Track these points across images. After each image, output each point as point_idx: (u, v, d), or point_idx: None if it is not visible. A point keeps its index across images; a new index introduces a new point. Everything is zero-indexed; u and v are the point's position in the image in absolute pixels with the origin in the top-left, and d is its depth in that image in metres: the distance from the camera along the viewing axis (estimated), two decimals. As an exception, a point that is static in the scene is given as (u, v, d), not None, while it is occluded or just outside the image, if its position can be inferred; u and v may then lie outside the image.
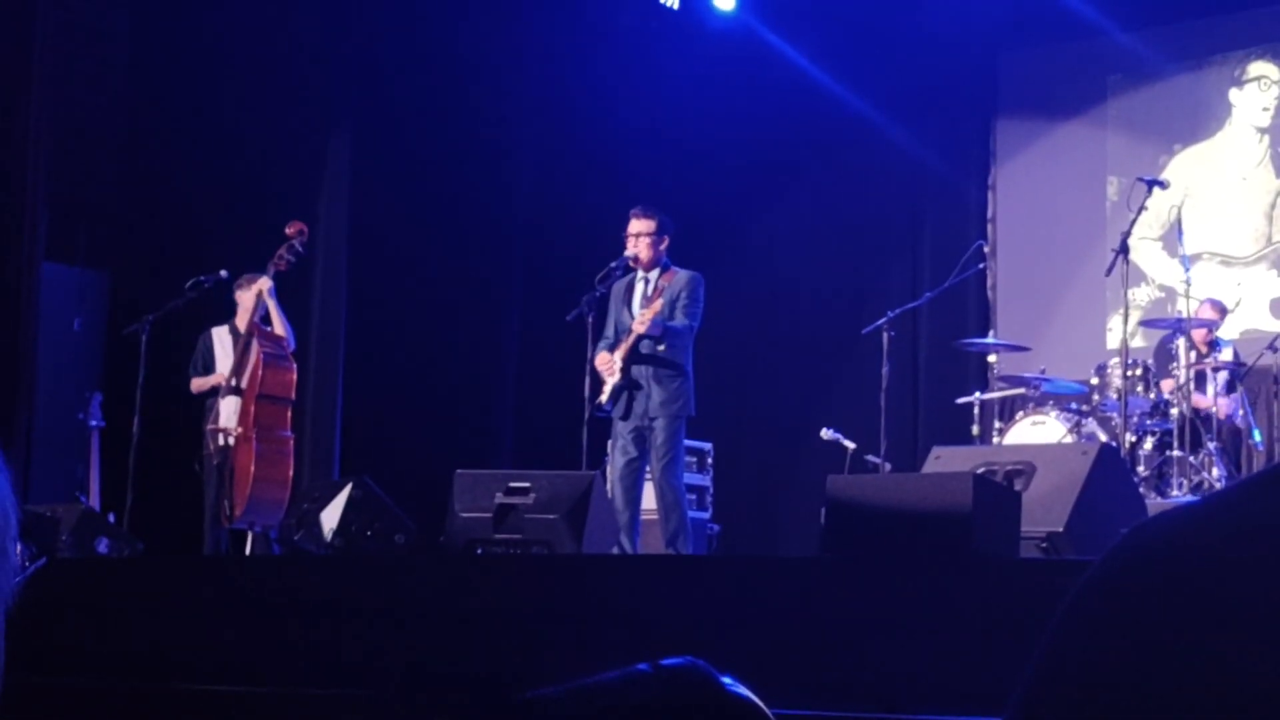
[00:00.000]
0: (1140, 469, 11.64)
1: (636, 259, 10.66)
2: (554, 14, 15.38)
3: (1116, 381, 11.56)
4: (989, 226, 15.38)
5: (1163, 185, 11.53)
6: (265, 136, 13.66)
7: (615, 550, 9.54)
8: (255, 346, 11.40)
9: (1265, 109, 14.44)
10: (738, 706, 1.32)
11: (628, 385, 10.47)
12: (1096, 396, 12.05)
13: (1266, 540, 1.05)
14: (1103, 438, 11.44)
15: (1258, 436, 12.15)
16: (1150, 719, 1.03)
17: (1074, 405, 12.22)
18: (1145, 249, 14.23)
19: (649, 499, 10.72)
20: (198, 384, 11.68)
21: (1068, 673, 1.09)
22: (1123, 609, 1.08)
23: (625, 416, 10.49)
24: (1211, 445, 11.68)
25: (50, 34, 12.15)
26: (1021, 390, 12.66)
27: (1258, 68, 14.51)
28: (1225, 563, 1.05)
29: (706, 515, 13.33)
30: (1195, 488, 11.45)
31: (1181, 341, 11.77)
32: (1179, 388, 11.65)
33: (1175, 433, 11.60)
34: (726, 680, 1.32)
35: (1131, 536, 1.14)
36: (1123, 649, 1.06)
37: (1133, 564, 1.11)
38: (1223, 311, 12.65)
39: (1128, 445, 11.11)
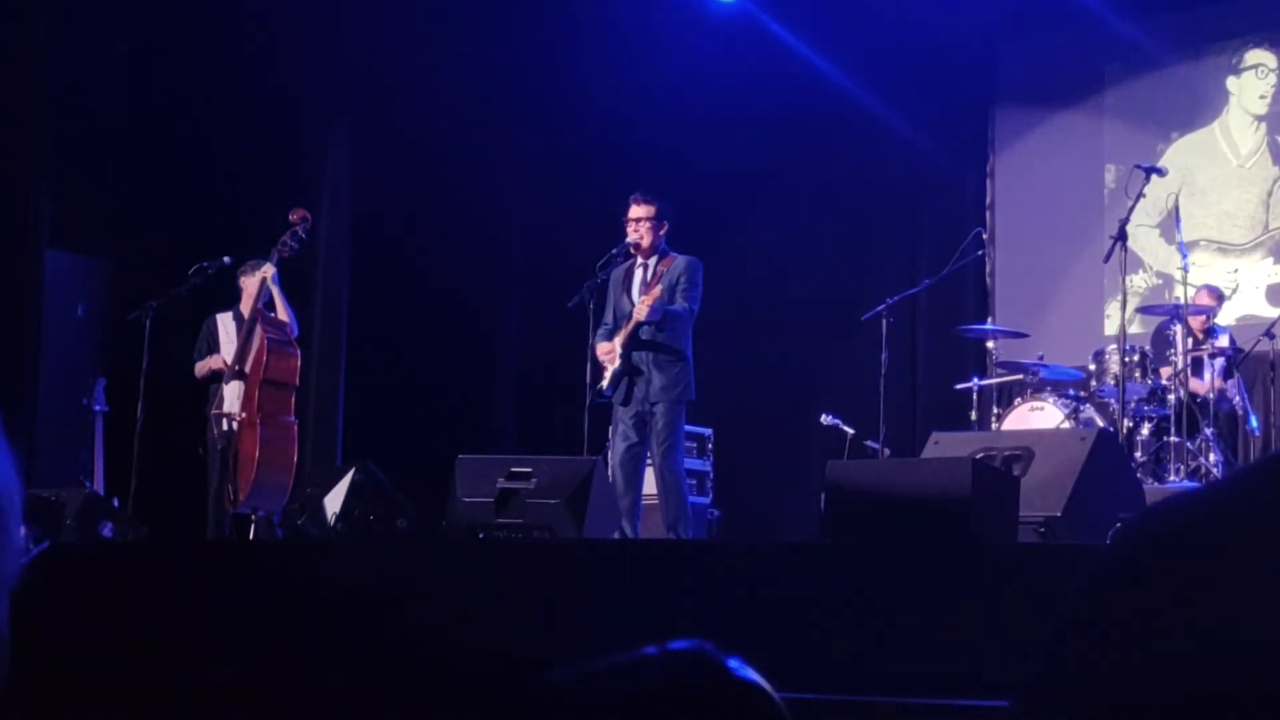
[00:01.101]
0: (1138, 454, 11.64)
1: (638, 245, 10.67)
2: (555, 2, 15.39)
3: (1114, 368, 11.57)
4: (987, 214, 15.38)
5: (1160, 173, 11.54)
6: (268, 123, 13.67)
7: (616, 535, 9.56)
8: (259, 332, 11.40)
9: (1262, 97, 14.44)
10: (744, 689, 1.33)
11: (628, 371, 10.48)
12: (1094, 382, 12.05)
13: (1267, 528, 1.08)
14: (1100, 423, 11.46)
15: (1254, 422, 12.17)
16: (1156, 701, 1.06)
17: (1072, 391, 12.23)
18: (1143, 236, 14.24)
19: (650, 484, 10.74)
20: (200, 367, 11.69)
21: (1075, 658, 1.12)
22: (1128, 595, 1.11)
23: (626, 402, 10.50)
24: (1208, 431, 11.69)
25: (54, 23, 12.17)
26: (1020, 376, 12.66)
27: (1255, 55, 14.50)
28: (1227, 550, 1.08)
29: (707, 500, 13.34)
30: (1192, 473, 11.47)
31: (1178, 328, 11.79)
32: (1176, 374, 11.67)
33: (1172, 418, 11.61)
34: (733, 663, 1.35)
35: (1135, 524, 1.17)
36: (1128, 634, 1.09)
37: (1137, 551, 1.14)
38: (1219, 298, 12.67)
39: (1125, 431, 11.11)
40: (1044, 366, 12.46)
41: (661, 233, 10.70)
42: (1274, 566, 1.06)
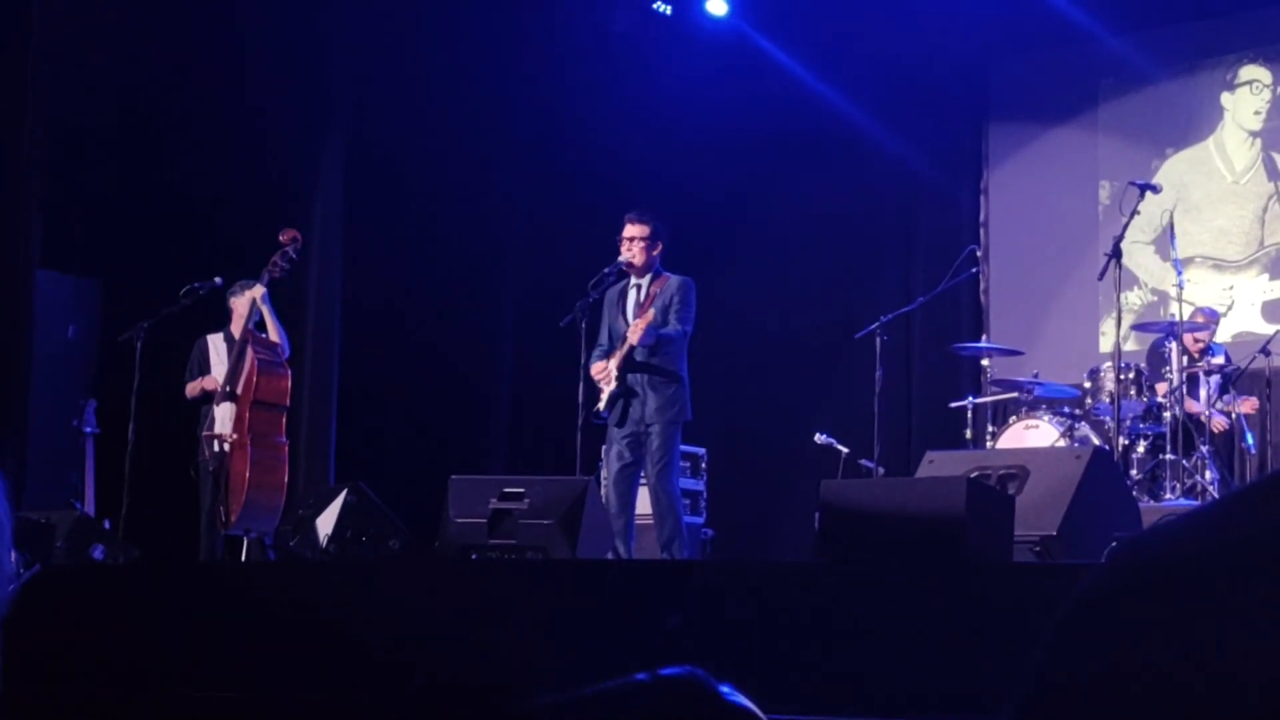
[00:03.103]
0: (1133, 472, 11.65)
1: (630, 264, 10.66)
2: (548, 20, 15.39)
3: (1109, 385, 11.56)
4: (981, 231, 15.39)
5: (1154, 189, 11.52)
6: (259, 143, 13.66)
7: (610, 555, 9.55)
8: (250, 353, 11.39)
9: (1257, 113, 14.44)
10: (736, 716, 1.32)
11: (624, 392, 10.47)
12: (1089, 400, 12.05)
13: (1261, 551, 1.06)
14: (1096, 441, 11.45)
15: (1250, 440, 12.16)
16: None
17: (1067, 409, 12.23)
18: (1137, 253, 14.23)
19: (644, 504, 10.73)
20: (191, 388, 11.68)
21: (1064, 682, 1.09)
22: (1119, 619, 1.08)
23: (621, 423, 10.49)
24: (1204, 449, 11.68)
25: (45, 41, 12.15)
26: (1014, 394, 12.66)
27: (1249, 71, 14.51)
28: (1220, 574, 1.06)
29: (701, 520, 13.32)
30: (1188, 491, 11.46)
31: (1174, 345, 11.78)
32: (1171, 391, 11.66)
33: (1168, 436, 11.60)
34: (725, 689, 1.33)
35: (1127, 547, 1.15)
36: (1118, 659, 1.06)
37: (1129, 575, 1.12)
38: (1215, 319, 12.66)
39: (1121, 449, 11.09)
40: (1039, 384, 12.46)
41: (655, 253, 10.68)
42: (1269, 594, 1.04)
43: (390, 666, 6.99)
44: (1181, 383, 11.75)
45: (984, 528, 6.81)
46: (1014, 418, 12.33)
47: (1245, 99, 14.51)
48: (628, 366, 10.47)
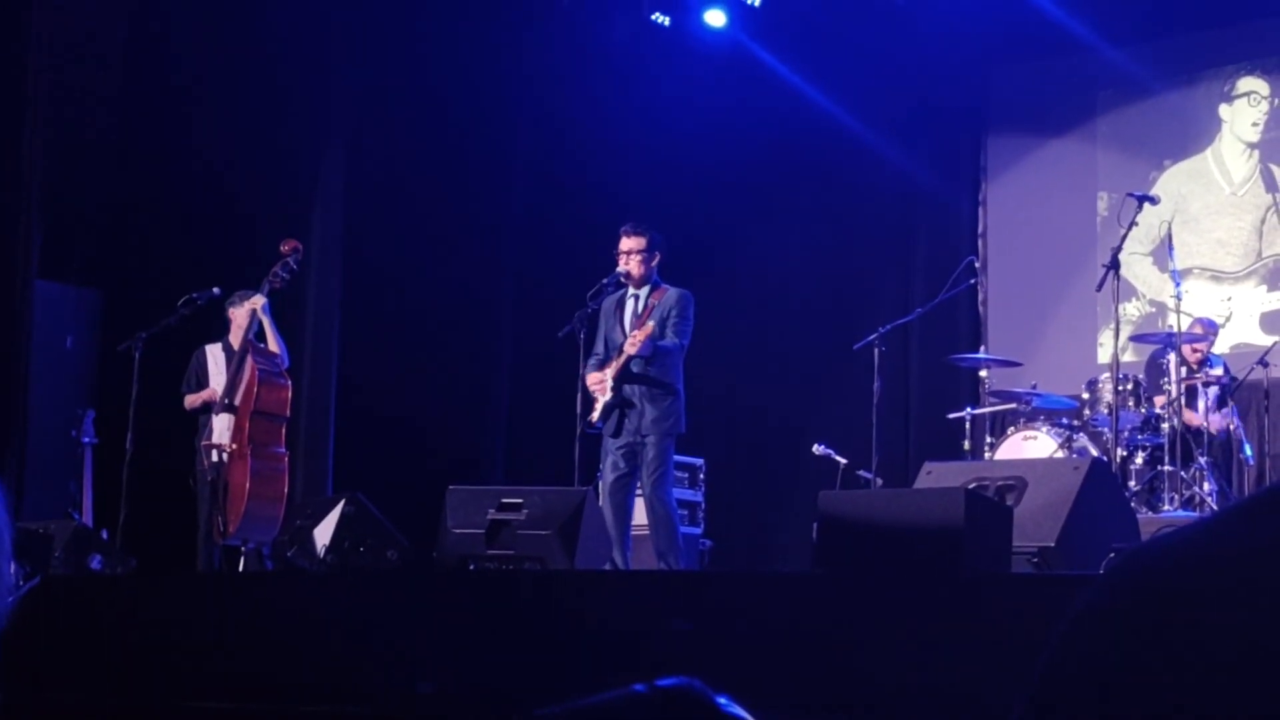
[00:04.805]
0: (1131, 484, 11.64)
1: (628, 275, 10.67)
2: (547, 31, 15.39)
3: (1107, 396, 11.55)
4: (980, 242, 15.38)
5: (1153, 201, 11.52)
6: (259, 154, 13.65)
7: (608, 566, 9.55)
8: (250, 363, 11.38)
9: (1255, 124, 14.44)
10: None
11: (619, 403, 10.47)
12: (1087, 411, 12.05)
13: (1259, 565, 1.06)
14: (1094, 452, 11.44)
15: (1248, 451, 12.16)
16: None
17: (1065, 420, 12.22)
18: (1136, 264, 14.22)
19: (641, 514, 10.72)
20: (191, 400, 11.66)
21: (1064, 695, 1.09)
22: (1117, 632, 1.08)
23: (616, 434, 10.48)
24: (1202, 460, 11.67)
25: (44, 53, 12.15)
26: (1013, 405, 12.65)
27: (1247, 83, 14.51)
28: (1219, 587, 1.06)
29: (699, 531, 13.31)
30: (1186, 502, 11.45)
31: (1172, 356, 11.77)
32: (1170, 402, 11.65)
33: (1166, 447, 11.60)
34: (722, 700, 1.32)
35: (1126, 559, 1.14)
36: (1118, 674, 1.06)
37: (1128, 588, 1.12)
38: (1214, 329, 12.66)
39: (1119, 460, 11.10)
40: (1037, 395, 12.45)
41: (653, 264, 10.69)
42: (1268, 608, 1.04)
43: (388, 677, 6.99)
44: (1180, 394, 11.74)
45: (982, 539, 6.81)
46: (1012, 429, 12.32)
47: (1243, 111, 14.50)
48: (624, 377, 10.46)
